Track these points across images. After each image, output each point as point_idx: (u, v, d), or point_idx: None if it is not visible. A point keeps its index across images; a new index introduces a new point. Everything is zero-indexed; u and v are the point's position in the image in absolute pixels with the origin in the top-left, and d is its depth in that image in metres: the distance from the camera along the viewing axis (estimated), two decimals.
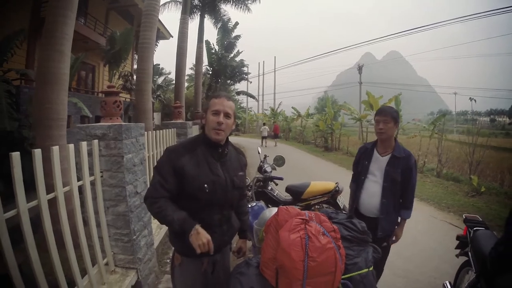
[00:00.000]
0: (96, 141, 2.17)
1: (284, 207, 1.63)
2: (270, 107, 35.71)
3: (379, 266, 2.57)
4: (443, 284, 2.67)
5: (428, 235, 4.49)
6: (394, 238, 2.53)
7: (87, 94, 12.52)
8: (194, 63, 17.77)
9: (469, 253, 2.41)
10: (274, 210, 2.14)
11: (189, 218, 1.53)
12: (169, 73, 26.04)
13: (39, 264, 1.62)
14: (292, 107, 26.56)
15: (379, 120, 2.45)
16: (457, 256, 2.68)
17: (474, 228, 2.47)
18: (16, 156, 1.48)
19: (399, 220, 2.54)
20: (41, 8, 9.68)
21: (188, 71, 20.54)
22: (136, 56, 12.99)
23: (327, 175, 8.80)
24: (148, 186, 1.65)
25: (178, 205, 1.58)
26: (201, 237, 1.48)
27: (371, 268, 1.69)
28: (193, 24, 12.39)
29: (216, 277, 1.80)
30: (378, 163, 2.50)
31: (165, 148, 4.27)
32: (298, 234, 1.44)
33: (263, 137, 19.73)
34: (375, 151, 2.55)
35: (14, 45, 7.08)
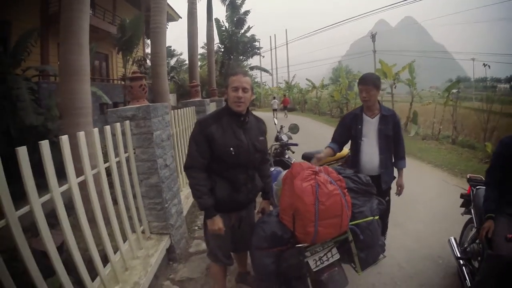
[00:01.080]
0: (127, 122, 2.44)
1: (298, 162, 1.92)
2: (284, 80, 35.35)
3: (383, 221, 2.80)
4: (449, 239, 2.88)
5: (439, 199, 4.65)
6: (399, 188, 2.80)
7: (103, 82, 12.95)
8: (205, 42, 17.73)
9: (472, 210, 2.60)
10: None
11: (212, 208, 1.90)
12: (181, 54, 26.13)
13: (90, 234, 1.88)
14: (307, 79, 26.12)
15: (362, 89, 2.68)
16: (462, 214, 2.88)
17: (477, 187, 2.64)
18: (45, 144, 1.57)
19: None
20: (49, 5, 10.06)
21: (200, 50, 20.61)
22: (147, 41, 13.14)
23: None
24: (185, 157, 1.92)
25: (210, 166, 1.92)
26: (215, 225, 1.90)
27: (376, 217, 1.97)
28: (200, 4, 12.31)
29: (242, 232, 2.11)
30: (370, 125, 2.74)
31: (187, 125, 4.60)
32: (309, 183, 1.73)
33: (274, 110, 20.31)
34: (364, 115, 2.77)
35: (29, 43, 7.37)
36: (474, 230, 2.58)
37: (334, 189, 1.75)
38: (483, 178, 2.75)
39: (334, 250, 1.97)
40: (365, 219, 1.94)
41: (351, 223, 1.88)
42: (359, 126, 2.75)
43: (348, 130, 2.84)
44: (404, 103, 14.05)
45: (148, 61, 12.33)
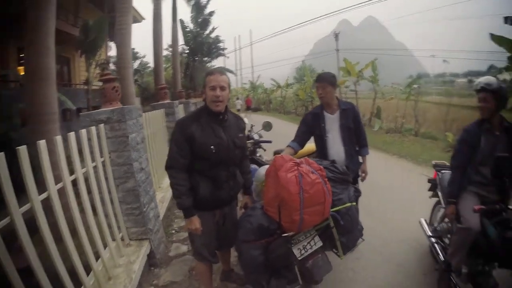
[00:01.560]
0: (102, 125, 2.36)
1: (279, 155, 2.01)
2: (249, 80, 35.54)
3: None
4: (419, 221, 3.12)
5: (406, 187, 4.99)
6: (363, 175, 2.95)
7: (65, 87, 12.21)
8: (170, 43, 17.40)
9: (439, 193, 2.85)
10: (266, 167, 2.48)
11: (191, 208, 1.93)
12: (144, 56, 25.39)
13: (72, 244, 1.80)
14: (271, 79, 26.44)
15: (318, 86, 2.84)
16: (430, 197, 3.12)
17: (442, 171, 2.88)
18: (23, 150, 1.49)
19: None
20: (9, 7, 9.23)
21: (164, 52, 20.09)
22: (109, 44, 12.65)
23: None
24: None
25: (192, 165, 1.94)
26: (192, 224, 1.95)
27: (353, 203, 2.11)
28: (164, 4, 12.08)
29: (226, 229, 2.16)
30: (332, 121, 2.88)
31: (157, 127, 4.50)
32: (293, 173, 1.83)
33: (237, 110, 21.21)
34: (325, 113, 2.90)
35: None
36: (442, 210, 2.82)
37: (316, 178, 1.86)
38: (447, 164, 3.02)
39: (317, 238, 2.08)
40: (344, 205, 2.07)
41: (331, 210, 2.00)
42: (322, 124, 2.89)
43: (310, 128, 2.96)
44: (367, 99, 14.67)
45: (111, 64, 11.85)
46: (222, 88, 1.91)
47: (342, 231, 2.08)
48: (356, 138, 2.93)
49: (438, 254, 2.60)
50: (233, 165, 2.10)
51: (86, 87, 8.89)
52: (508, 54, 6.10)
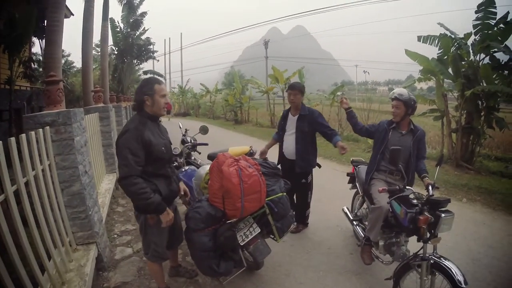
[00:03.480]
0: (48, 128, 2.33)
1: (221, 153, 2.37)
2: (178, 85, 34.88)
3: (304, 200, 3.73)
4: (342, 209, 3.71)
5: (331, 183, 5.73)
6: (342, 150, 3.39)
7: None
8: (98, 43, 16.22)
9: (357, 184, 3.45)
10: (205, 168, 2.89)
11: (162, 202, 2.05)
12: (69, 55, 23.05)
13: (30, 249, 1.79)
14: (201, 84, 26.35)
15: (290, 93, 3.58)
16: (350, 189, 3.75)
17: (358, 166, 3.51)
18: None
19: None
20: None
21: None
22: (34, 40, 11.31)
23: (241, 144, 9.65)
24: (120, 169, 1.96)
25: (145, 170, 2.04)
26: (170, 215, 2.11)
27: (284, 193, 2.59)
28: (97, 1, 11.28)
29: (176, 221, 2.42)
30: (291, 121, 3.63)
31: (92, 132, 4.32)
32: (234, 167, 2.21)
33: None
34: (290, 114, 3.68)
35: None
36: (360, 198, 3.43)
37: (253, 171, 2.27)
38: (363, 160, 3.67)
39: (255, 225, 2.46)
40: (277, 195, 2.51)
41: (267, 199, 2.42)
42: (283, 122, 3.71)
43: (279, 124, 3.82)
44: None
45: (34, 63, 10.54)
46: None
47: (277, 217, 2.50)
48: (324, 136, 3.61)
49: (360, 234, 3.18)
50: (171, 161, 2.45)
51: (8, 87, 7.75)
52: (421, 67, 7.35)
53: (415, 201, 2.41)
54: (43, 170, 2.18)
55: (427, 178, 2.65)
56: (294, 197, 3.79)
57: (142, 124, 2.05)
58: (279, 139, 3.79)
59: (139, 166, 1.96)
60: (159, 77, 25.43)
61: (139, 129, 2.01)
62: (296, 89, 3.53)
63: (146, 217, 2.16)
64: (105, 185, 4.83)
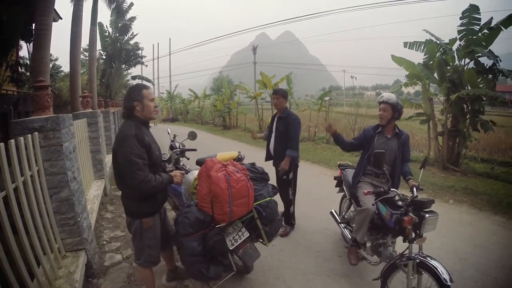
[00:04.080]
0: (36, 134, 2.32)
1: (209, 159, 2.40)
2: (166, 90, 34.69)
3: (285, 197, 3.93)
4: (330, 212, 3.77)
5: (319, 187, 5.80)
6: (279, 169, 3.81)
7: None
8: (86, 47, 16.03)
9: (344, 187, 3.52)
10: (194, 173, 2.89)
11: (167, 174, 2.24)
12: (57, 59, 22.61)
13: (20, 256, 1.79)
14: (189, 89, 26.07)
15: (274, 97, 4.00)
16: (337, 192, 3.81)
17: (345, 170, 3.58)
18: None
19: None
20: None
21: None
22: (22, 44, 11.09)
23: (229, 149, 9.62)
24: (132, 175, 2.01)
25: None
26: (179, 174, 2.32)
27: (272, 197, 2.63)
28: (85, 5, 11.16)
29: (167, 223, 2.53)
30: (275, 123, 3.98)
31: (80, 138, 4.28)
32: (222, 173, 2.25)
33: None
34: (276, 116, 4.01)
35: None
36: (347, 201, 3.50)
37: (241, 176, 2.31)
38: (349, 163, 3.75)
39: (243, 229, 2.50)
40: (265, 199, 2.55)
41: (255, 203, 2.45)
42: (271, 124, 4.06)
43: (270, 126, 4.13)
44: None
45: (21, 67, 10.32)
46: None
47: (265, 221, 2.53)
48: (283, 141, 3.80)
49: (348, 236, 3.25)
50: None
51: None
52: (407, 72, 7.54)
53: (400, 202, 2.49)
54: (31, 176, 2.17)
55: (411, 180, 2.74)
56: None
57: (138, 130, 2.11)
58: (266, 138, 4.20)
59: (147, 167, 2.07)
60: (146, 83, 25.50)
61: (139, 134, 2.07)
62: (279, 94, 3.93)
63: (141, 221, 2.21)
64: (94, 191, 4.78)
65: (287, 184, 3.87)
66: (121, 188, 2.24)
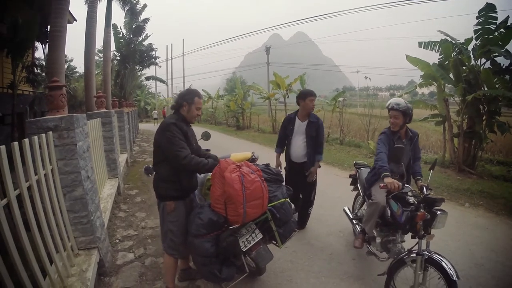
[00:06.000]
0: (50, 133, 2.35)
1: (223, 160, 2.37)
2: (180, 90, 35.08)
3: (308, 198, 3.88)
4: (343, 209, 3.77)
5: (333, 189, 5.68)
6: (309, 175, 3.72)
7: None
8: (101, 48, 16.32)
9: (358, 186, 3.51)
10: (207, 173, 2.81)
11: (211, 159, 2.44)
12: (72, 60, 23.20)
13: (33, 255, 1.78)
14: (203, 90, 26.53)
15: (312, 100, 3.68)
16: (352, 190, 3.78)
17: (360, 168, 3.57)
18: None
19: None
20: None
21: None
22: (37, 45, 11.38)
23: (243, 150, 9.61)
24: (176, 153, 2.26)
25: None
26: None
27: (286, 199, 2.56)
28: (99, 7, 11.37)
29: (190, 207, 2.56)
30: (300, 126, 3.75)
31: (94, 137, 4.34)
32: (236, 174, 2.21)
33: (155, 119, 27.15)
34: (297, 119, 3.77)
35: None
36: (361, 199, 3.48)
37: (255, 177, 2.26)
38: (365, 163, 3.71)
39: (257, 231, 2.44)
40: (279, 201, 2.49)
41: (269, 205, 2.40)
42: (291, 127, 3.79)
43: (285, 130, 3.87)
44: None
45: (37, 67, 10.60)
46: None
47: (279, 223, 2.48)
48: (314, 145, 3.70)
49: (358, 232, 3.26)
50: None
51: (11, 91, 7.80)
52: (422, 73, 7.38)
53: (411, 200, 2.46)
54: (45, 175, 2.19)
55: (420, 180, 2.80)
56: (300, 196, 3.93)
57: (180, 122, 2.38)
58: (283, 146, 3.97)
59: (188, 148, 2.32)
60: (160, 83, 26.04)
61: (180, 124, 2.35)
62: (315, 96, 3.76)
63: (165, 203, 2.40)
64: (107, 190, 4.83)
65: (312, 187, 3.87)
66: (156, 170, 2.45)
